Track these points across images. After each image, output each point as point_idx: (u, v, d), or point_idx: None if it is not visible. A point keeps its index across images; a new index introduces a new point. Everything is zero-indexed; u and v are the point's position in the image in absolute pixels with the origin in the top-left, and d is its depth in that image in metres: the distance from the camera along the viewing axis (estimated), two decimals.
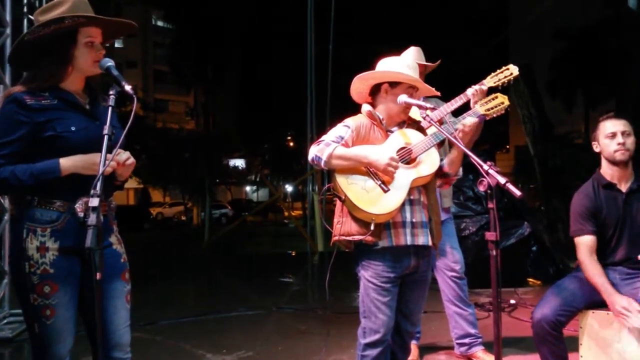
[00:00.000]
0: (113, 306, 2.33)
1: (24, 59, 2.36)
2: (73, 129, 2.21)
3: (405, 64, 2.86)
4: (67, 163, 2.17)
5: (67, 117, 2.23)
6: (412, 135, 2.84)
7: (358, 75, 2.86)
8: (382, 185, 2.70)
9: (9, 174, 2.13)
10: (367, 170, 2.74)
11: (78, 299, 2.27)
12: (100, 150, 2.05)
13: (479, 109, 3.00)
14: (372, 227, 2.67)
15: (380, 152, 2.70)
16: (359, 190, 2.72)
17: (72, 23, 2.21)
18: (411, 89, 2.83)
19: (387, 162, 2.66)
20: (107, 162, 2.02)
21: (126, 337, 2.38)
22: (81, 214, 2.19)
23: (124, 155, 2.23)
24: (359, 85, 2.92)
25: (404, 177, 2.73)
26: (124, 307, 2.38)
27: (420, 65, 3.75)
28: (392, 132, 2.85)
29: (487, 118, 3.05)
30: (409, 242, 2.73)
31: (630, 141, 3.12)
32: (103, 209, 2.27)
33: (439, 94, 3.02)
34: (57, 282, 2.19)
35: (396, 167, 2.68)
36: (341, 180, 2.74)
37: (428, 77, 3.86)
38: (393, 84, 2.83)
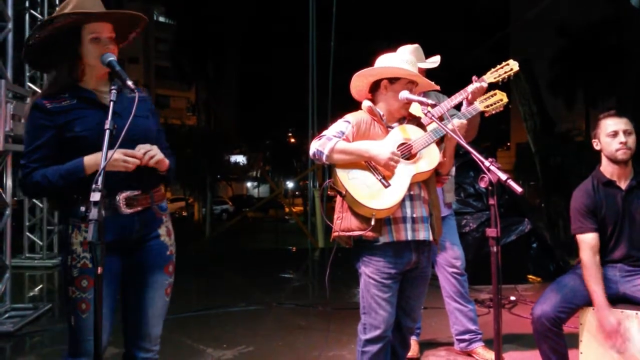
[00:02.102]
0: (150, 297, 2.38)
1: (39, 62, 2.42)
2: (91, 126, 2.23)
3: (404, 59, 2.87)
4: (90, 161, 2.19)
5: (85, 115, 2.25)
6: (411, 131, 2.85)
7: (357, 73, 2.87)
8: (383, 181, 2.71)
9: (40, 178, 2.19)
10: (368, 165, 2.75)
11: (118, 297, 2.33)
12: (123, 146, 2.07)
13: (479, 105, 3.01)
14: (372, 222, 2.68)
15: (382, 147, 2.71)
16: (359, 185, 2.73)
17: (63, 22, 2.23)
18: (410, 84, 2.83)
19: (388, 157, 2.67)
20: (109, 157, 2.01)
21: (156, 330, 2.43)
22: (124, 209, 2.24)
23: (147, 155, 2.22)
24: (359, 83, 2.93)
25: (405, 173, 2.74)
26: (161, 299, 2.43)
27: (420, 69, 3.75)
28: (392, 127, 2.86)
29: (487, 115, 3.06)
30: (409, 237, 2.74)
31: (632, 140, 3.12)
32: (146, 201, 2.33)
33: (438, 87, 3.02)
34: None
35: (397, 162, 2.69)
36: (342, 175, 2.75)
37: (429, 73, 3.86)
38: (392, 80, 2.83)
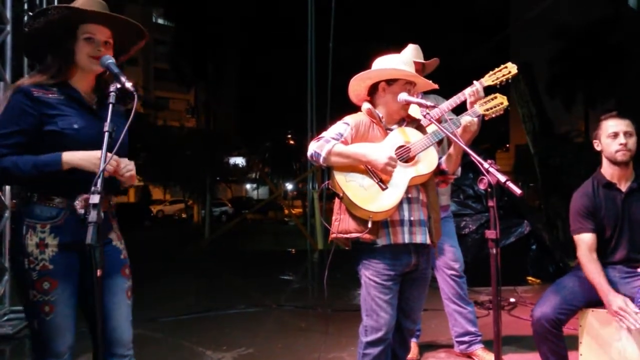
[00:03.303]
0: (114, 302, 2.33)
1: (36, 53, 2.39)
2: (76, 126, 2.22)
3: (400, 60, 2.87)
4: (69, 157, 2.16)
5: (70, 114, 2.24)
6: (411, 134, 2.85)
7: (354, 76, 2.86)
8: (380, 184, 2.71)
9: (10, 164, 2.13)
10: (366, 168, 2.75)
11: (78, 295, 2.27)
12: (112, 149, 2.04)
13: (478, 108, 2.99)
14: (369, 225, 2.68)
15: (379, 152, 2.70)
16: (356, 188, 2.73)
17: (57, 15, 2.22)
18: (408, 85, 2.83)
19: (385, 162, 2.66)
20: (108, 160, 2.01)
21: (127, 333, 2.38)
22: (81, 211, 2.18)
23: (122, 165, 2.20)
24: (357, 87, 2.93)
25: (402, 176, 2.74)
26: (124, 303, 2.38)
27: (417, 63, 3.75)
28: (391, 130, 2.86)
29: (486, 118, 3.04)
30: (406, 240, 2.74)
31: (632, 141, 3.12)
32: (104, 206, 2.27)
33: (436, 86, 3.01)
34: (57, 278, 2.20)
35: (394, 167, 2.69)
36: (339, 178, 2.75)
37: (429, 75, 3.87)
38: (390, 82, 2.83)
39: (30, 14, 5.72)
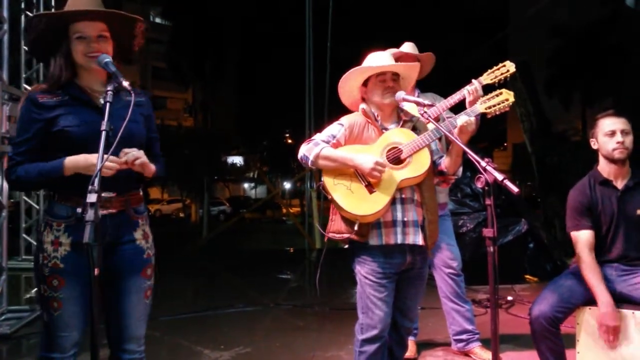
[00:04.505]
0: (130, 300, 2.36)
1: (43, 58, 2.44)
2: (77, 123, 2.24)
3: (370, 59, 2.89)
4: (69, 163, 2.19)
5: (74, 112, 2.26)
6: (404, 135, 2.82)
7: (339, 92, 2.92)
8: (368, 187, 2.71)
9: (23, 172, 2.23)
10: (354, 171, 2.75)
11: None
12: (110, 147, 2.04)
13: (479, 106, 2.88)
14: (356, 227, 2.69)
15: (366, 156, 2.70)
16: (344, 191, 2.74)
17: (43, 24, 2.27)
18: (382, 76, 2.82)
19: (371, 167, 2.66)
20: (104, 160, 2.00)
21: (141, 330, 2.42)
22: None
23: (131, 155, 2.21)
24: (348, 98, 2.97)
25: (392, 178, 2.73)
26: (141, 302, 2.40)
27: (411, 56, 3.73)
28: (387, 129, 2.86)
29: (489, 116, 2.92)
30: (399, 241, 2.74)
31: (629, 140, 3.13)
32: (120, 204, 2.32)
33: (417, 65, 2.97)
34: (65, 277, 2.24)
35: (381, 172, 2.68)
36: (327, 181, 2.77)
37: (429, 74, 3.86)
38: (365, 83, 2.88)
39: (28, 13, 5.74)
